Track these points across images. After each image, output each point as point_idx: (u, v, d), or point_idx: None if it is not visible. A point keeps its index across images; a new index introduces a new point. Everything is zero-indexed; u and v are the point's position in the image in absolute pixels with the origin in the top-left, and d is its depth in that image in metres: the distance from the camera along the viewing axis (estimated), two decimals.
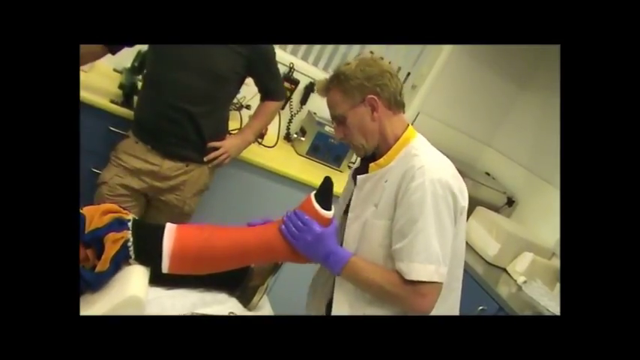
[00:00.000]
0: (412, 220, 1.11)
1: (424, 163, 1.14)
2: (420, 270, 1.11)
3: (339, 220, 1.31)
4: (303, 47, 2.69)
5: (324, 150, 2.57)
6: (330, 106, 1.24)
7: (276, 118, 2.47)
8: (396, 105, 1.22)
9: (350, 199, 1.29)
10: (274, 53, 1.83)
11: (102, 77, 2.10)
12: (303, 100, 2.68)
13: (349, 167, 2.79)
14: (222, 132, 1.88)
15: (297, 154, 2.59)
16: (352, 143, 1.25)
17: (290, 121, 2.68)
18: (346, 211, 1.31)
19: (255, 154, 2.21)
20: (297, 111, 2.68)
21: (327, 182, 1.26)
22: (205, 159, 1.82)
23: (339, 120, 1.24)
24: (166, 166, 1.76)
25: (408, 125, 1.25)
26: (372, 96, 1.19)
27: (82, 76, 1.95)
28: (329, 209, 1.23)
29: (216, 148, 1.84)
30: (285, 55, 2.58)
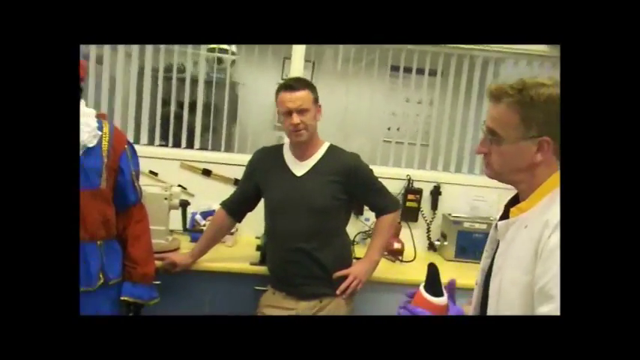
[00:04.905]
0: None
1: None
2: None
3: (482, 277, 1.19)
4: (417, 157, 2.73)
5: (472, 248, 2.42)
6: (495, 118, 1.07)
7: (407, 232, 2.43)
8: None
9: (494, 253, 1.14)
10: (370, 170, 1.90)
11: (245, 247, 2.35)
12: (434, 206, 2.62)
13: None
14: (345, 259, 1.92)
15: (446, 260, 2.46)
16: (489, 164, 1.11)
17: (428, 230, 2.60)
18: (491, 265, 1.15)
19: (398, 272, 2.16)
20: (432, 218, 2.61)
21: (432, 269, 1.19)
22: (337, 291, 1.84)
23: (493, 137, 1.08)
24: (302, 307, 1.82)
25: (557, 170, 1.07)
26: (549, 139, 1.03)
27: (228, 251, 2.25)
28: (441, 295, 1.14)
29: (345, 277, 1.85)
30: (400, 171, 2.65)
